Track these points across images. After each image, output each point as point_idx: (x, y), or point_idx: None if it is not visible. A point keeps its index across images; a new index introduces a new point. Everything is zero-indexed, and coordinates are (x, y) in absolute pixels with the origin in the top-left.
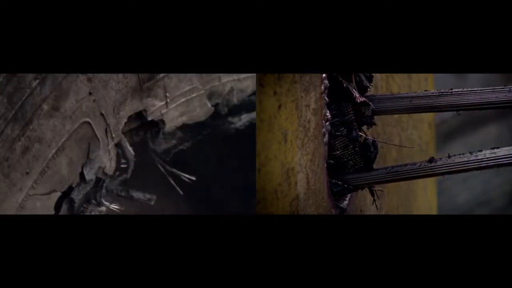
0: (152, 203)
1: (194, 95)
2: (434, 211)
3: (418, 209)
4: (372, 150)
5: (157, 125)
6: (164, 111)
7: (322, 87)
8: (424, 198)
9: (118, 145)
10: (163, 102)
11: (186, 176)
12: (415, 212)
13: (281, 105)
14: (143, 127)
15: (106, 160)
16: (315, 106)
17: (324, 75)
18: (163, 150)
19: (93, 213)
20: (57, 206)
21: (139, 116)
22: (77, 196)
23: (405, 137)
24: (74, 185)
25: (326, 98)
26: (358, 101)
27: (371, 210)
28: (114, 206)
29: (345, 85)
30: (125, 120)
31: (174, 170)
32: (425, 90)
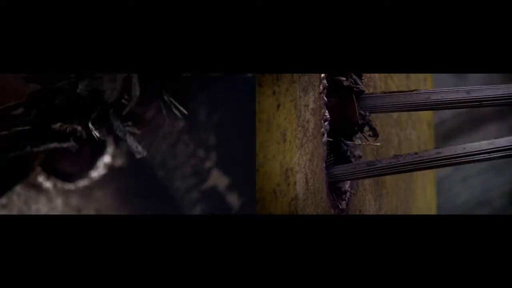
0: (139, 157)
1: None
2: (433, 212)
3: (418, 210)
4: (344, 147)
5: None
6: None
7: (321, 87)
8: (423, 198)
9: (126, 79)
10: None
11: (180, 108)
12: (414, 212)
13: (279, 105)
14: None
15: (108, 87)
16: (314, 106)
17: (322, 75)
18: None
19: (67, 129)
20: (35, 100)
21: None
22: (59, 102)
23: (403, 137)
24: (60, 87)
25: (325, 98)
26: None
27: (370, 210)
28: (96, 133)
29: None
30: None
31: (172, 100)
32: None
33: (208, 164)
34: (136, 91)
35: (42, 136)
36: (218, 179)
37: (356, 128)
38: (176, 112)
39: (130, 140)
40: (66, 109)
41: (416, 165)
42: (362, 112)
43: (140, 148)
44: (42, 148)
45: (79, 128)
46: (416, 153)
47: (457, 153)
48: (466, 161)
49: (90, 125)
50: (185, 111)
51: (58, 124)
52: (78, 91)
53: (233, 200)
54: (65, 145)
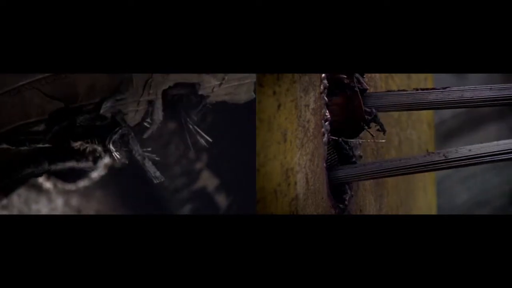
0: (156, 182)
1: (247, 81)
2: (433, 212)
3: (418, 210)
4: (347, 147)
5: (199, 97)
6: (216, 89)
7: (322, 87)
8: (423, 198)
9: (150, 103)
10: (219, 82)
11: (205, 136)
12: (414, 212)
13: (280, 105)
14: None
15: (131, 109)
16: (315, 106)
17: (323, 75)
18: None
19: (87, 148)
20: (57, 117)
21: (190, 86)
22: (82, 121)
23: (404, 137)
24: (83, 107)
25: (325, 98)
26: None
27: (370, 210)
28: (116, 154)
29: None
30: (171, 83)
31: (197, 128)
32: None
33: (198, 165)
34: (159, 115)
35: (61, 153)
36: (208, 180)
37: (362, 124)
38: (201, 140)
39: (149, 164)
40: (87, 128)
41: (448, 163)
42: (368, 109)
43: (158, 174)
44: (59, 166)
45: (99, 148)
46: (446, 151)
47: (488, 151)
48: (500, 159)
49: (110, 146)
50: (210, 139)
51: (79, 142)
52: (101, 111)
53: (222, 200)
54: (82, 165)
